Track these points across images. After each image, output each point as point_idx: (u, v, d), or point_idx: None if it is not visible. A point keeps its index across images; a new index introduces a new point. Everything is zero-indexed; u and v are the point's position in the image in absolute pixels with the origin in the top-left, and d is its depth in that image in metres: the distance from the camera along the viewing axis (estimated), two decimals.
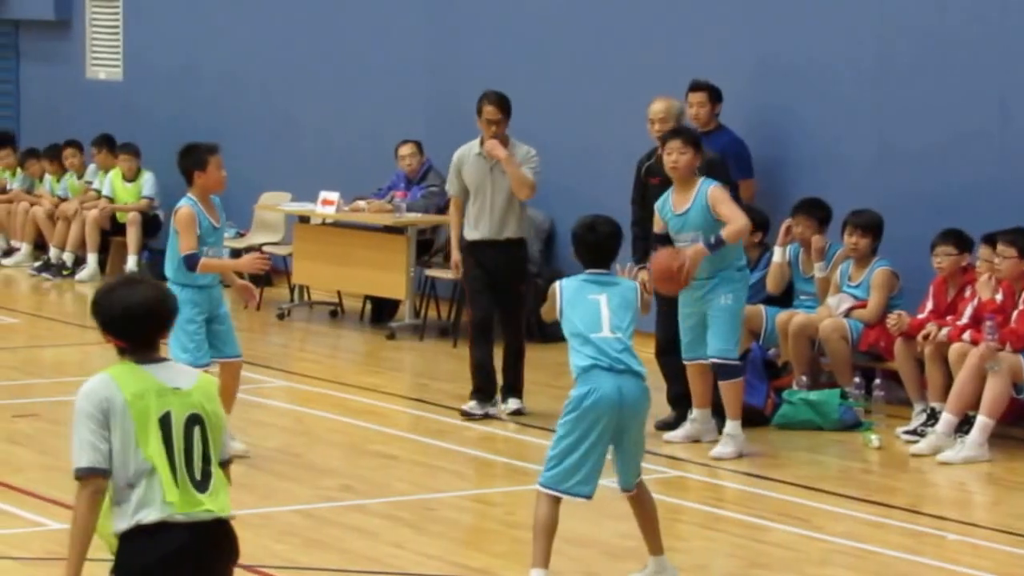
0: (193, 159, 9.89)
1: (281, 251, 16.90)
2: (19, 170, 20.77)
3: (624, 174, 12.20)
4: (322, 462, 10.65)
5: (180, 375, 5.40)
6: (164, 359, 5.37)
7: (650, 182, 11.26)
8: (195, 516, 5.19)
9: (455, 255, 11.61)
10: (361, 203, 15.47)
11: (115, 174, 18.96)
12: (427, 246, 15.53)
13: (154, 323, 5.27)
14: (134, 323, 5.22)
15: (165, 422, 5.19)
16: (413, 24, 17.58)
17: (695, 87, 12.64)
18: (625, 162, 12.33)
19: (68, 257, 18.69)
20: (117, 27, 21.36)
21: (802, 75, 13.60)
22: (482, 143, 11.52)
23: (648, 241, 11.14)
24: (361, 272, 15.97)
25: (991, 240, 10.97)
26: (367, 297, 16.21)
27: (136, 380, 5.19)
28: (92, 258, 18.22)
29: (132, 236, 18.09)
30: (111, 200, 18.89)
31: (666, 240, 10.71)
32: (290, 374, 13.72)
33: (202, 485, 5.33)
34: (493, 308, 11.65)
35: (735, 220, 9.88)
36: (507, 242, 11.31)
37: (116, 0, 21.08)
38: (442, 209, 14.58)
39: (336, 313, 16.71)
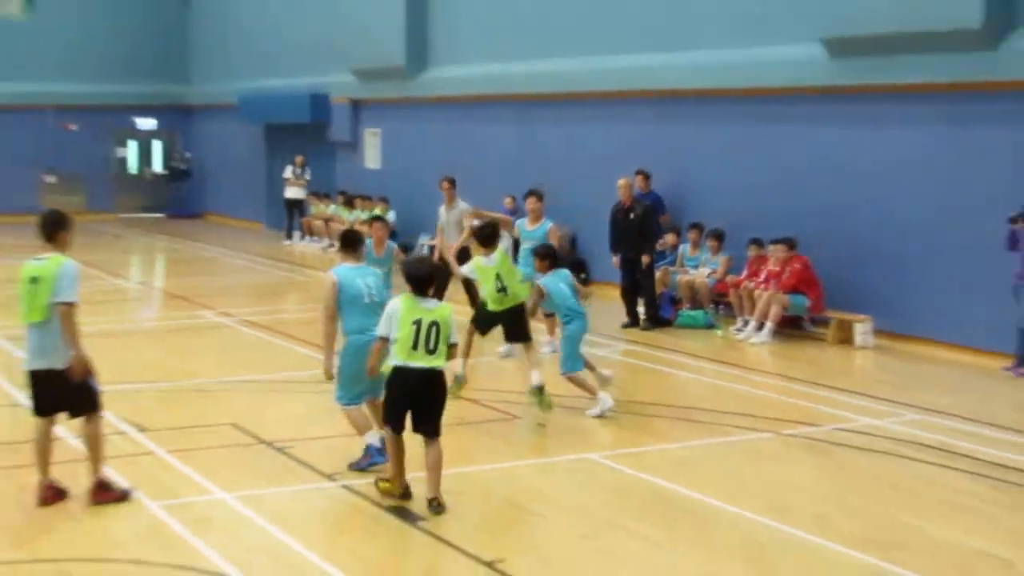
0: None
1: None
2: (346, 209, 26.54)
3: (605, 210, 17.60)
4: None
5: (431, 304, 8.77)
6: (428, 298, 8.78)
7: (617, 217, 17.23)
8: (421, 364, 8.68)
9: None
10: None
11: (379, 210, 22.96)
12: None
13: (428, 282, 8.85)
14: (416, 281, 8.82)
15: (417, 323, 8.67)
16: None
17: (639, 172, 18.72)
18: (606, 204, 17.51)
19: None
20: (377, 144, 27.44)
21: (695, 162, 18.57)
22: None
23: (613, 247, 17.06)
24: None
25: (777, 241, 16.53)
26: None
27: (409, 302, 8.72)
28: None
29: None
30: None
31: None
32: None
33: (432, 352, 8.69)
34: None
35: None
36: None
37: (376, 130, 27.18)
38: None
39: None
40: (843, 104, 16.77)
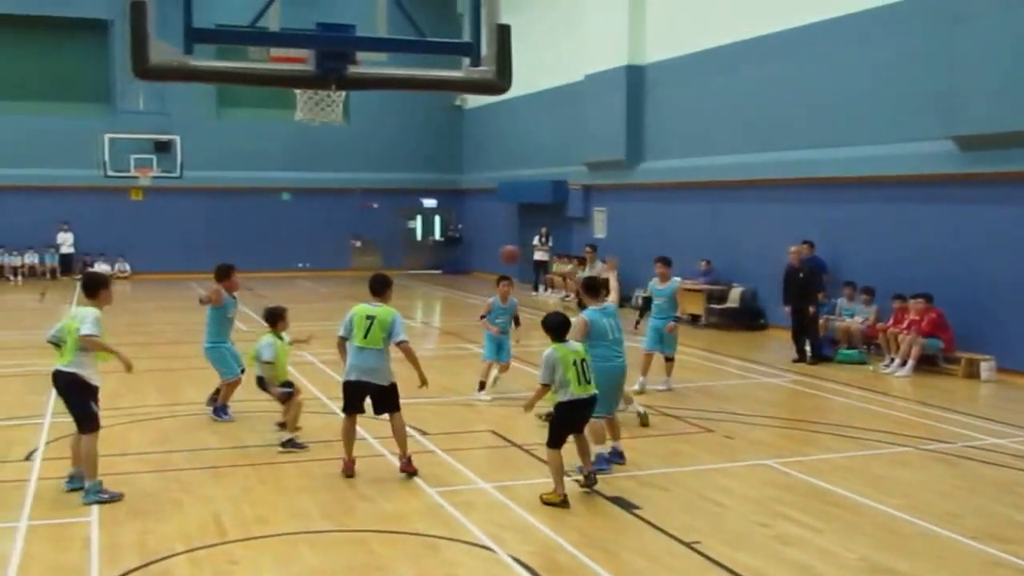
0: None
1: None
2: (580, 268, 27.21)
3: (778, 272, 17.69)
4: None
5: (575, 345, 8.70)
6: (568, 341, 8.71)
7: (788, 276, 17.24)
8: (584, 395, 8.68)
9: None
10: None
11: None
12: None
13: (565, 328, 8.76)
14: (556, 329, 8.77)
15: (575, 363, 8.54)
16: None
17: (805, 241, 18.31)
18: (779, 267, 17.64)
19: None
20: (603, 218, 27.50)
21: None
22: None
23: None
24: None
25: (917, 296, 16.29)
26: None
27: (562, 349, 8.65)
28: None
29: None
30: None
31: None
32: None
33: (589, 383, 8.67)
34: None
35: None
36: None
37: (603, 208, 27.23)
38: None
39: None
40: (967, 188, 16.34)
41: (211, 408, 12.18)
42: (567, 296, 26.79)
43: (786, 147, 20.45)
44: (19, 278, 32.77)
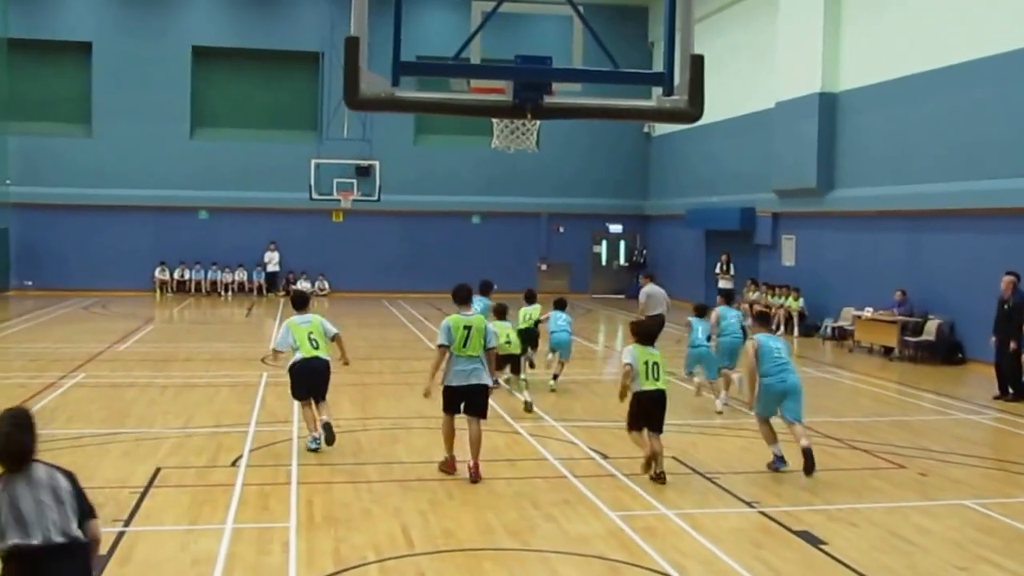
0: None
1: None
2: (769, 294, 26.60)
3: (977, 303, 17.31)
4: None
5: (653, 349, 10.36)
6: (649, 345, 10.29)
7: (998, 306, 16.63)
8: (655, 387, 10.21)
9: None
10: None
11: (791, 298, 25.24)
12: None
13: (655, 335, 10.67)
14: (645, 335, 10.45)
15: (646, 363, 10.16)
16: None
17: (1008, 273, 16.85)
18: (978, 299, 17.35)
19: None
20: (792, 246, 26.87)
21: None
22: None
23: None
24: None
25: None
26: None
27: (639, 349, 10.60)
28: None
29: None
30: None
31: None
32: None
33: (657, 379, 10.13)
34: None
35: None
36: None
37: (792, 236, 26.73)
38: None
39: None
40: None
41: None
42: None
43: (989, 175, 19.56)
44: (229, 294, 34.51)
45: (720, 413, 14.06)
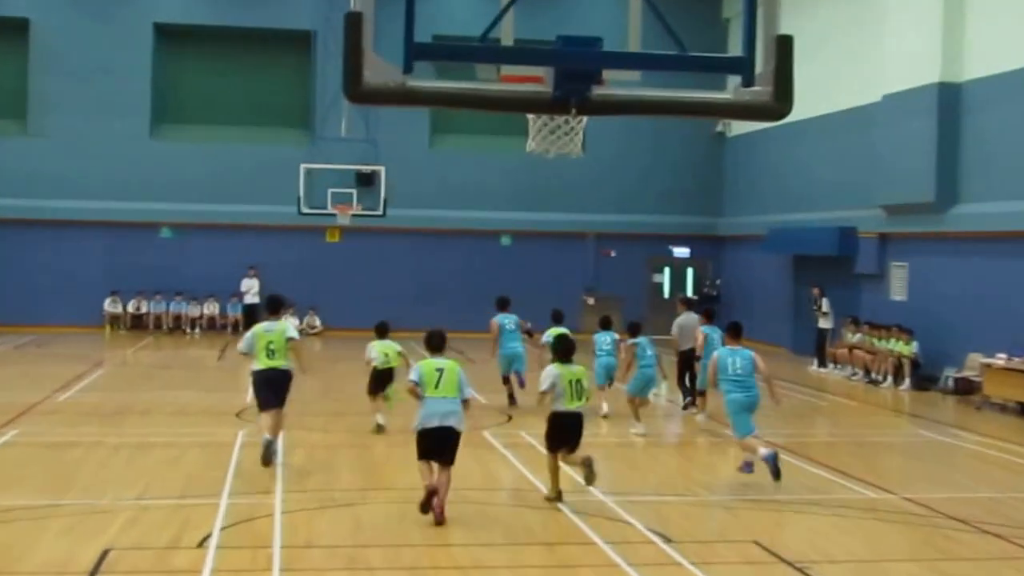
0: None
1: None
2: (875, 338, 27.40)
3: None
4: None
5: (574, 367, 12.24)
6: (571, 362, 12.23)
7: None
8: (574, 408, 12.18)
9: None
10: None
11: (902, 342, 25.08)
12: None
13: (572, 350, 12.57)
14: (563, 351, 12.53)
15: (570, 381, 12.21)
16: None
17: None
18: None
19: None
20: (903, 276, 26.96)
21: None
22: None
23: None
24: None
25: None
26: None
27: (560, 367, 12.21)
28: None
29: None
30: None
31: None
32: None
33: (580, 399, 12.20)
34: None
35: None
36: None
37: (903, 263, 26.73)
38: None
39: None
40: None
41: None
42: (856, 374, 26.24)
43: None
44: (196, 331, 34.82)
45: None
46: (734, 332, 14.66)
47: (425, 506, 11.43)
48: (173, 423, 17.94)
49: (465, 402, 11.79)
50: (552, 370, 12.22)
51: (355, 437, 16.67)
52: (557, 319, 19.62)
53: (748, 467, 14.09)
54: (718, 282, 37.46)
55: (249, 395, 15.80)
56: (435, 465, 11.65)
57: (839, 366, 27.76)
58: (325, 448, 15.82)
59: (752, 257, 34.99)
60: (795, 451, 16.26)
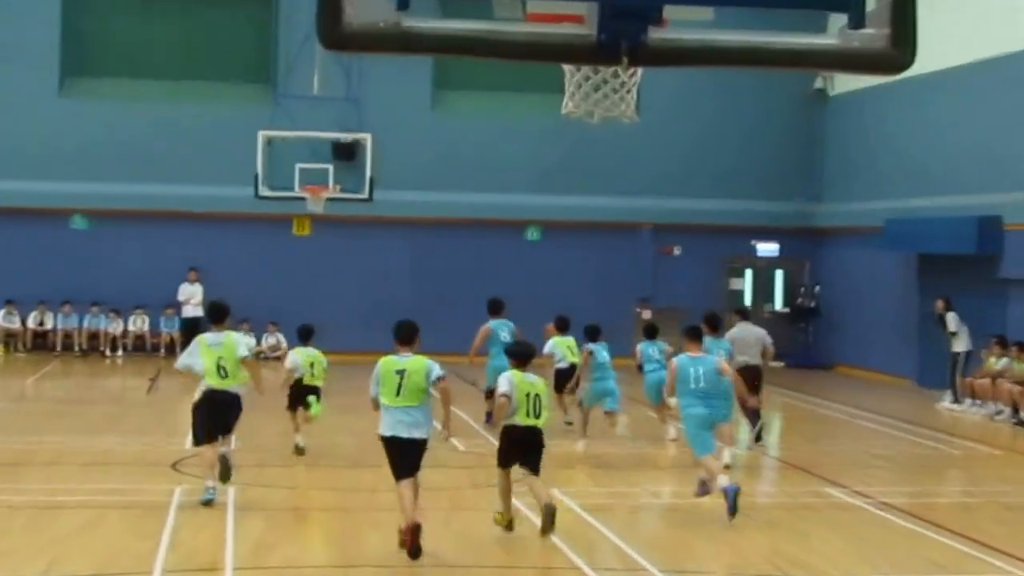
0: None
1: None
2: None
3: None
4: None
5: (532, 378, 14.16)
6: (528, 373, 14.11)
7: None
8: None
9: None
10: None
11: None
12: None
13: (529, 359, 14.66)
14: (520, 358, 14.61)
15: (527, 395, 13.80)
16: None
17: None
18: None
19: None
20: None
21: None
22: None
23: None
24: None
25: None
26: None
27: (517, 376, 14.08)
28: None
29: None
30: None
31: None
32: None
33: (537, 416, 13.93)
34: None
35: None
36: None
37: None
38: None
39: None
40: None
41: None
42: (1001, 412, 26.20)
43: None
44: (119, 353, 34.87)
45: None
46: (694, 336, 16.63)
47: (404, 544, 12.92)
48: (88, 477, 17.86)
49: (440, 379, 13.19)
50: (510, 378, 13.84)
51: (334, 497, 16.66)
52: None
53: (703, 489, 15.77)
54: (817, 289, 37.48)
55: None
56: (408, 492, 13.06)
57: (978, 402, 27.71)
58: (291, 511, 15.92)
59: (862, 256, 34.97)
60: (919, 515, 16.22)
